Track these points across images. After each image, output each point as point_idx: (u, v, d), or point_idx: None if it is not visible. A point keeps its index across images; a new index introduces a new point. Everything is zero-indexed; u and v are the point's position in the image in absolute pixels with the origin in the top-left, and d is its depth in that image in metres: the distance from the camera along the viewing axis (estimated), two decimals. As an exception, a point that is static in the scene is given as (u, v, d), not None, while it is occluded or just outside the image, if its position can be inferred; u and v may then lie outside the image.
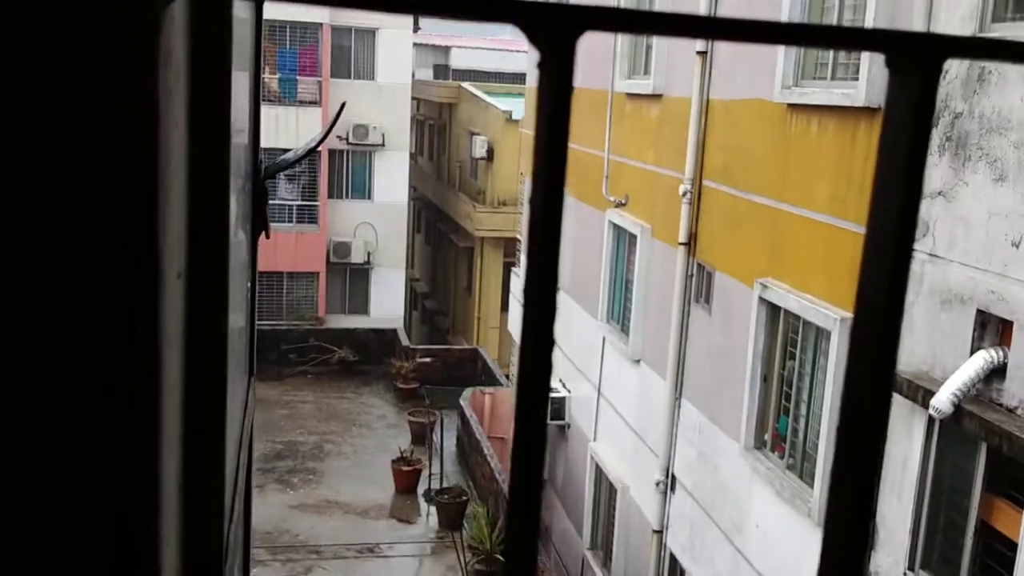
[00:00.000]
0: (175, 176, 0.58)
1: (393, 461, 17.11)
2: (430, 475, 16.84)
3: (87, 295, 0.49)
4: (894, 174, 0.54)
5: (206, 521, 0.87)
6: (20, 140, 0.46)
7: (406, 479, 16.90)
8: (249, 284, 1.60)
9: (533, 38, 0.50)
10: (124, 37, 0.45)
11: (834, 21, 7.85)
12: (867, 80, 7.04)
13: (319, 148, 24.06)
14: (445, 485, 16.60)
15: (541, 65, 0.51)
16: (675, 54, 10.69)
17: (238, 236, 1.39)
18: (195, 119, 0.65)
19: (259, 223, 1.58)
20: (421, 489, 16.94)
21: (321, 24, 24.20)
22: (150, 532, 0.56)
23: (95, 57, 0.46)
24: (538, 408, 0.52)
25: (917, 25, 6.58)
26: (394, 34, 25.16)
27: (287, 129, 23.59)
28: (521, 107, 17.08)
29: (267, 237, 1.65)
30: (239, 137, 1.44)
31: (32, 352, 0.48)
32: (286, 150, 23.81)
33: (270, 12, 23.09)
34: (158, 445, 0.55)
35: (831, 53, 7.91)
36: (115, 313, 0.49)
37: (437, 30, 40.49)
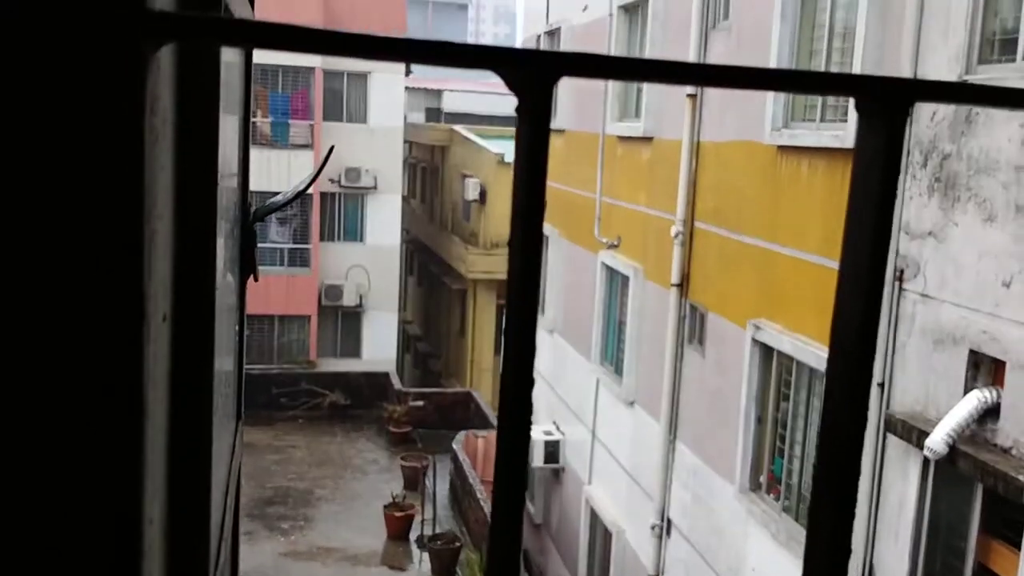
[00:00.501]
0: (160, 220, 0.58)
1: (385, 507, 16.94)
2: (423, 521, 16.66)
3: (70, 337, 0.49)
4: (865, 215, 0.55)
5: (191, 567, 0.86)
6: (4, 182, 0.47)
7: (398, 525, 16.71)
8: (237, 327, 1.60)
9: (511, 84, 0.52)
10: (110, 84, 0.46)
11: (822, 64, 7.97)
12: (856, 122, 7.12)
13: (309, 191, 24.17)
14: (438, 531, 16.42)
15: (519, 109, 0.53)
16: (666, 97, 10.82)
17: (226, 279, 1.39)
18: (182, 163, 0.66)
19: (247, 266, 1.58)
20: (414, 535, 16.75)
21: (313, 68, 24.44)
22: (131, 577, 0.56)
23: (81, 103, 0.47)
24: (520, 449, 0.52)
25: (904, 67, 6.68)
26: (386, 78, 25.42)
27: (279, 172, 23.71)
28: (512, 148, 17.21)
29: (255, 280, 1.66)
30: (228, 180, 1.45)
31: (13, 393, 0.48)
32: (277, 193, 23.80)
33: (262, 56, 23.33)
34: (141, 489, 0.55)
35: (819, 96, 8.01)
36: (98, 355, 0.50)
37: (429, 74, 40.92)
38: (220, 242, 1.39)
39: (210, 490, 0.82)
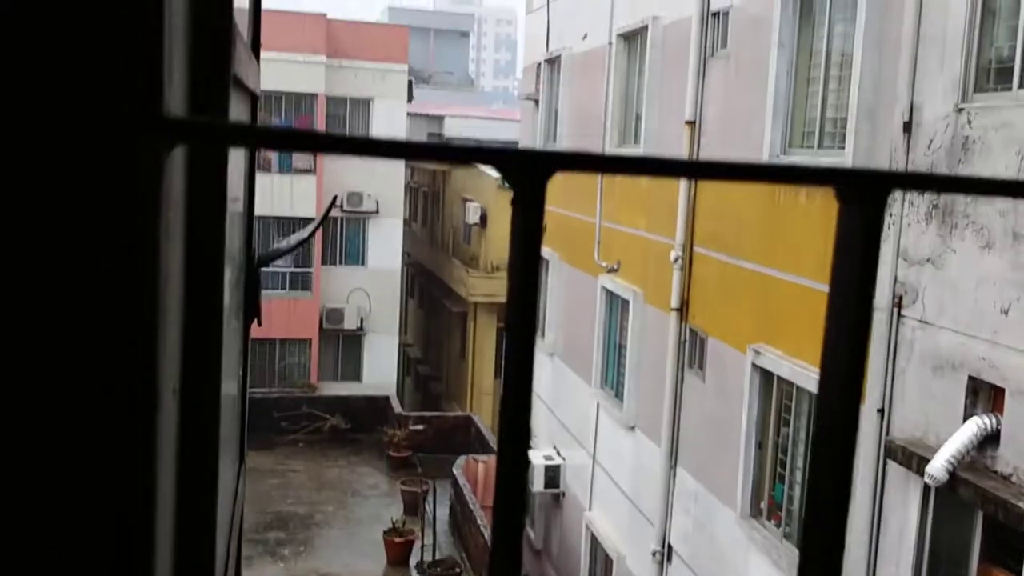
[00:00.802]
0: (172, 300, 0.61)
1: (385, 532, 16.86)
2: (423, 546, 16.57)
3: (87, 415, 0.52)
4: (846, 300, 0.58)
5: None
6: (29, 274, 0.49)
7: (398, 551, 16.63)
8: (241, 373, 1.62)
9: (508, 178, 0.55)
10: (129, 185, 0.49)
11: (819, 90, 8.03)
12: (854, 148, 7.18)
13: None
14: (438, 557, 16.33)
15: (514, 201, 0.56)
16: (665, 123, 10.89)
17: (231, 325, 1.42)
18: (192, 244, 0.69)
19: (251, 312, 1.61)
20: (414, 561, 16.65)
21: (316, 94, 24.60)
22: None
23: (101, 203, 0.49)
24: (519, 473, 0.54)
25: (901, 96, 6.73)
26: (389, 104, 25.57)
27: (282, 197, 23.80)
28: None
29: (259, 324, 1.69)
30: (234, 232, 1.48)
31: (24, 468, 0.50)
32: (281, 218, 23.68)
33: (266, 83, 23.46)
34: (152, 556, 0.57)
35: (818, 120, 8.08)
36: (113, 431, 0.52)
37: (431, 99, 41.14)
38: (226, 292, 1.42)
39: (214, 556, 0.84)
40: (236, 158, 1.42)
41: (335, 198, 3.02)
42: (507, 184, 0.56)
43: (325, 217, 2.61)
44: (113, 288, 0.49)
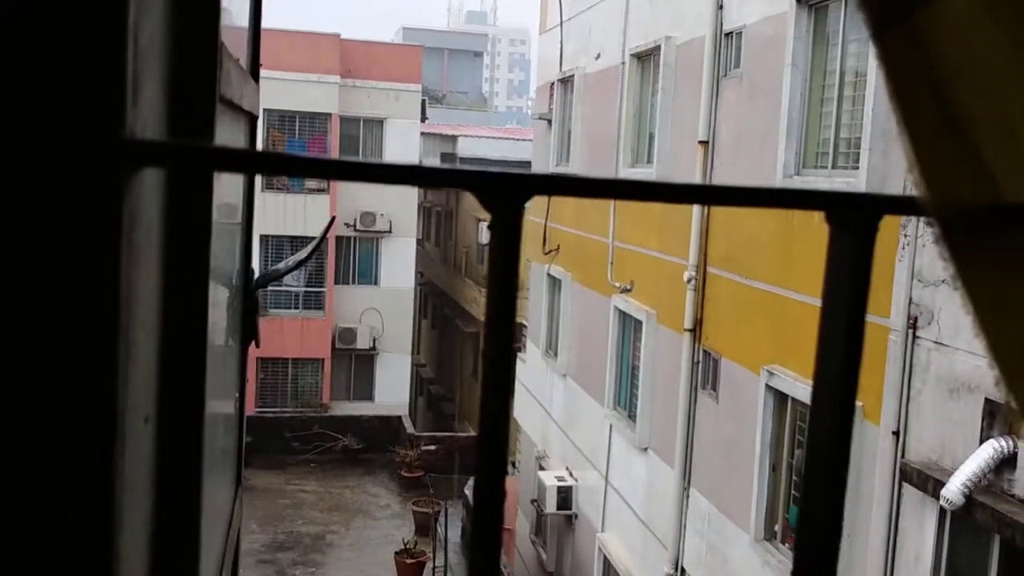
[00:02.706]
0: (143, 328, 0.60)
1: (396, 553, 16.79)
2: (434, 568, 16.49)
3: (42, 442, 0.50)
4: (836, 325, 0.56)
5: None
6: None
7: (409, 572, 16.55)
8: (238, 394, 1.61)
9: (485, 203, 0.53)
10: (88, 208, 0.48)
11: (833, 111, 8.00)
12: (867, 168, 7.14)
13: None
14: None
15: (491, 225, 0.54)
16: (678, 143, 10.88)
17: (226, 347, 1.40)
18: (171, 269, 0.67)
19: (249, 334, 1.60)
20: (426, 581, 16.57)
21: (330, 114, 24.74)
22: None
23: (62, 227, 0.48)
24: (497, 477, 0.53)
25: None
26: (402, 123, 25.69)
27: (295, 217, 23.90)
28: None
29: (257, 346, 1.67)
30: (231, 253, 1.47)
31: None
32: (294, 237, 23.80)
33: (280, 103, 23.66)
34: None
35: (832, 140, 8.05)
36: (69, 463, 0.51)
37: (445, 119, 41.35)
38: (223, 309, 1.40)
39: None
40: (232, 179, 1.41)
41: (332, 218, 3.03)
42: (485, 209, 0.55)
43: (323, 238, 2.61)
44: (68, 312, 0.48)
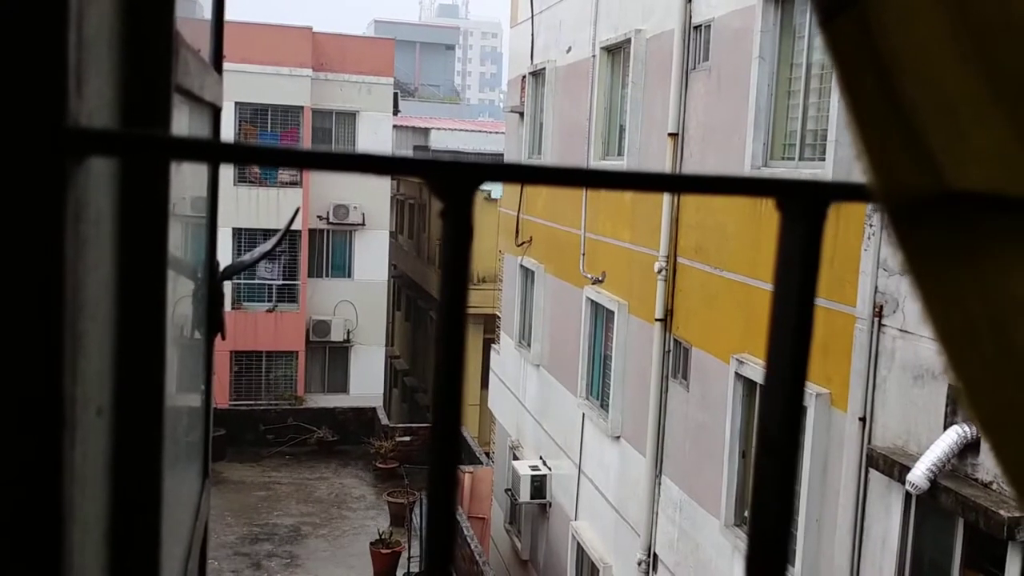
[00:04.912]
0: (94, 320, 0.59)
1: (372, 543, 16.78)
2: (409, 557, 16.50)
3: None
4: (787, 310, 0.57)
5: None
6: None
7: (385, 562, 16.55)
8: (204, 387, 1.60)
9: (435, 190, 0.53)
10: (30, 199, 0.47)
11: (800, 103, 8.07)
12: (834, 160, 7.21)
13: (296, 225, 24.14)
14: (424, 568, 16.24)
15: (443, 212, 0.54)
16: (648, 135, 10.92)
17: (189, 339, 1.40)
18: (125, 256, 0.67)
19: (215, 325, 1.59)
20: (400, 572, 16.58)
21: (302, 107, 24.57)
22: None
23: (4, 217, 0.48)
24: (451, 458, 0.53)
25: None
26: (374, 116, 25.57)
27: (268, 210, 23.74)
28: (499, 187, 17.34)
29: (223, 338, 1.67)
30: (194, 240, 1.46)
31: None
32: (268, 230, 23.59)
33: (252, 96, 23.45)
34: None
35: (799, 132, 8.12)
36: (15, 453, 0.50)
37: (417, 112, 41.18)
38: (187, 301, 1.40)
39: (158, 568, 0.82)
40: (197, 170, 1.40)
41: (297, 210, 3.02)
42: (436, 196, 0.55)
43: (287, 231, 2.60)
44: (10, 304, 0.48)
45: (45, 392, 0.49)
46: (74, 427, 0.54)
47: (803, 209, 0.56)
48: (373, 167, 0.52)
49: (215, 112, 1.57)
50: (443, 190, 0.53)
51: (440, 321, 0.57)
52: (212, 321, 1.56)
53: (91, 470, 0.62)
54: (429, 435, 0.56)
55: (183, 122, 1.12)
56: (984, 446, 5.66)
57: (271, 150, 0.49)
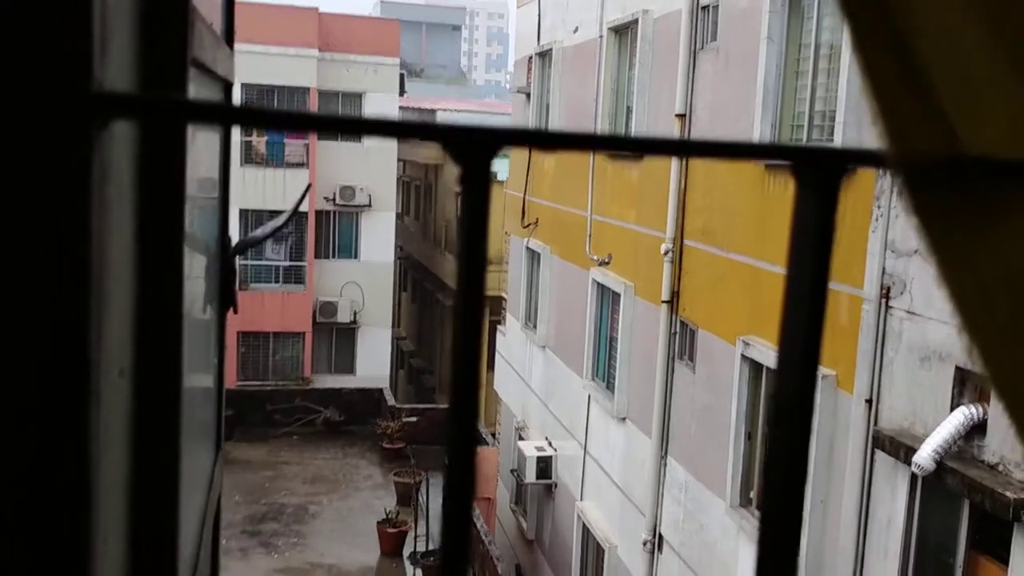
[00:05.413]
0: (117, 280, 0.60)
1: (379, 523, 16.89)
2: (416, 537, 16.61)
3: (14, 390, 0.51)
4: (802, 278, 0.57)
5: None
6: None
7: (392, 541, 16.66)
8: (216, 360, 1.61)
9: (454, 156, 0.54)
10: (57, 162, 0.48)
11: (808, 83, 8.02)
12: (842, 141, 7.18)
13: (303, 208, 24.14)
14: (431, 547, 16.36)
15: (461, 178, 0.55)
16: (655, 117, 10.88)
17: (203, 313, 1.41)
18: (145, 221, 0.68)
19: (227, 300, 1.60)
20: (407, 551, 16.69)
21: (308, 88, 24.50)
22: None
23: (31, 181, 0.49)
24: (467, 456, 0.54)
25: None
26: (380, 97, 25.49)
27: (274, 191, 23.73)
28: (506, 168, 17.30)
29: (235, 312, 1.68)
30: (208, 217, 1.47)
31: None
32: (274, 211, 23.62)
33: (258, 77, 23.39)
34: (89, 558, 0.56)
35: (807, 113, 8.08)
36: (41, 415, 0.51)
37: (424, 93, 41.04)
38: (199, 275, 1.41)
39: (176, 533, 0.83)
40: (208, 145, 1.41)
41: (308, 186, 3.03)
42: (454, 162, 0.55)
43: (299, 205, 2.61)
44: (40, 264, 0.49)
45: (72, 352, 0.50)
46: (99, 387, 0.55)
47: (818, 176, 0.56)
48: (391, 132, 0.52)
49: (227, 87, 1.57)
50: (462, 155, 0.53)
51: (459, 286, 0.57)
52: (225, 296, 1.58)
53: (113, 430, 0.64)
54: (448, 399, 0.56)
55: (197, 95, 1.12)
56: (991, 427, 5.67)
57: (288, 114, 0.50)
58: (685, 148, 0.55)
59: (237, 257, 1.81)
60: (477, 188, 0.53)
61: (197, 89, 1.10)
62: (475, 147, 0.52)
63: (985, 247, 0.53)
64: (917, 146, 0.54)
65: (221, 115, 0.47)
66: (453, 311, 0.60)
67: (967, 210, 0.53)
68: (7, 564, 0.51)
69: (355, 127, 0.52)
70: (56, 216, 0.48)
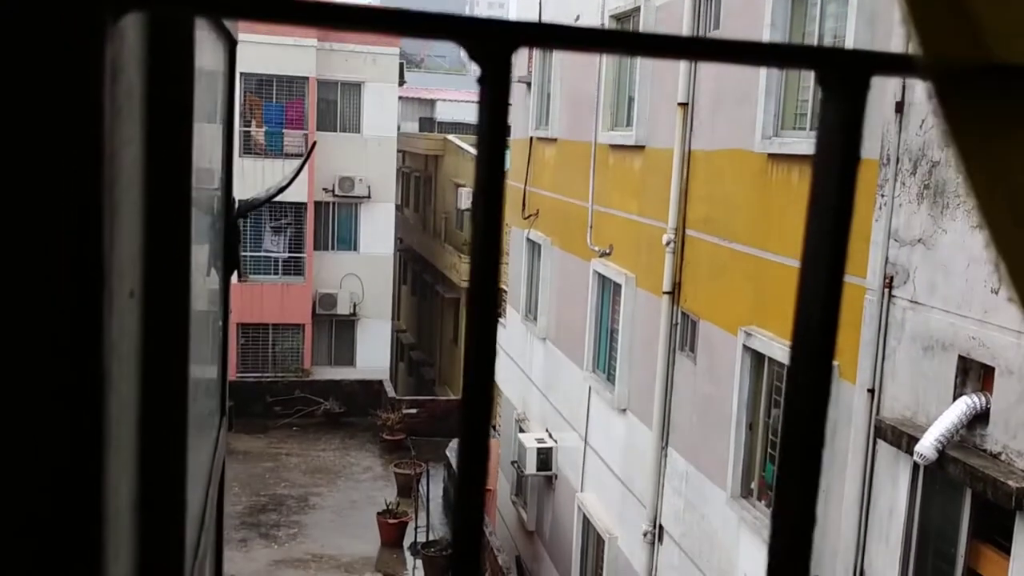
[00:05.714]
0: (126, 193, 0.59)
1: (379, 514, 16.90)
2: (416, 528, 16.63)
3: (24, 309, 0.49)
4: (827, 193, 0.56)
5: (165, 551, 0.86)
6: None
7: (392, 532, 16.67)
8: (221, 323, 1.60)
9: (472, 54, 0.52)
10: (68, 51, 0.46)
11: (811, 76, 7.98)
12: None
13: (303, 200, 24.11)
14: (431, 538, 16.38)
15: (480, 79, 0.53)
16: (657, 106, 10.85)
17: (210, 274, 1.39)
18: (153, 140, 0.66)
19: (231, 262, 1.58)
20: (407, 542, 16.71)
21: (307, 78, 24.47)
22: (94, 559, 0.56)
23: (40, 70, 0.47)
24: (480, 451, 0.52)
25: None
26: (380, 87, 25.45)
27: (274, 181, 23.67)
28: (506, 159, 17.28)
29: (239, 278, 1.66)
30: (211, 177, 1.45)
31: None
32: (273, 202, 23.52)
33: (257, 67, 23.35)
34: (102, 472, 0.55)
35: (810, 102, 8.05)
36: (56, 324, 0.50)
37: (423, 84, 40.95)
38: (203, 235, 1.39)
39: (185, 472, 0.82)
40: (212, 132, 1.39)
41: (314, 143, 3.00)
42: (472, 60, 0.54)
43: (303, 165, 2.59)
44: (47, 164, 0.47)
45: (86, 260, 0.49)
46: (111, 303, 0.53)
47: (845, 80, 0.55)
48: (408, 27, 0.51)
49: (232, 44, 1.56)
50: (481, 53, 0.52)
51: (475, 197, 0.56)
52: (229, 258, 1.56)
53: (126, 348, 0.62)
54: (464, 373, 0.54)
55: (206, 49, 1.11)
56: (993, 416, 5.65)
57: (308, 6, 0.48)
58: (709, 49, 0.53)
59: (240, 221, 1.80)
60: (497, 87, 0.52)
61: (205, 45, 1.08)
62: (496, 43, 0.51)
63: (1017, 156, 0.51)
64: (948, 52, 0.52)
65: (238, 8, 0.46)
66: (472, 226, 0.58)
67: (999, 118, 0.52)
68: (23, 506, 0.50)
69: (372, 22, 0.50)
70: (69, 110, 0.47)
